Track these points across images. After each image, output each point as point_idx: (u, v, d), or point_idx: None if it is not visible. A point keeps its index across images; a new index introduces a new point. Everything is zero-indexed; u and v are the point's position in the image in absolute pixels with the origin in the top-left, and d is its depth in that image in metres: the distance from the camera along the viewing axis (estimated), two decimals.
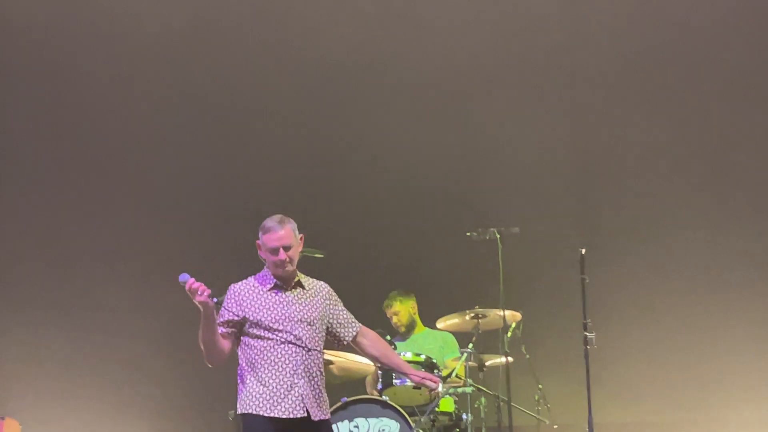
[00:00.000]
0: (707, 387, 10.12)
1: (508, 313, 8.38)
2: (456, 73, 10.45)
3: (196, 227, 10.41)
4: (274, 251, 6.17)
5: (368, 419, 7.98)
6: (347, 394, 8.16)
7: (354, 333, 6.45)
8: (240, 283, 6.28)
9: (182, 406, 10.27)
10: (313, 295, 6.30)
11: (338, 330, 6.41)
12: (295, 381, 6.06)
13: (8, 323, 10.23)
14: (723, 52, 10.28)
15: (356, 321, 6.49)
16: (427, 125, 10.50)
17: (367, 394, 8.54)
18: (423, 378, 6.49)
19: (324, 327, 6.31)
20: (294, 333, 6.08)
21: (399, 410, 7.91)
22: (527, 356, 8.73)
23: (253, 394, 6.08)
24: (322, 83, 10.46)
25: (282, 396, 6.04)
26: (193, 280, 5.84)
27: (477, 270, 9.43)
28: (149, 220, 10.42)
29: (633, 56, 10.41)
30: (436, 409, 8.34)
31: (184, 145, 10.51)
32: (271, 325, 6.10)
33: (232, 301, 6.13)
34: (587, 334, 7.98)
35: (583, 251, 8.19)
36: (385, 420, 7.96)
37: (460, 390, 8.41)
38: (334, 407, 7.88)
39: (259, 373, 6.10)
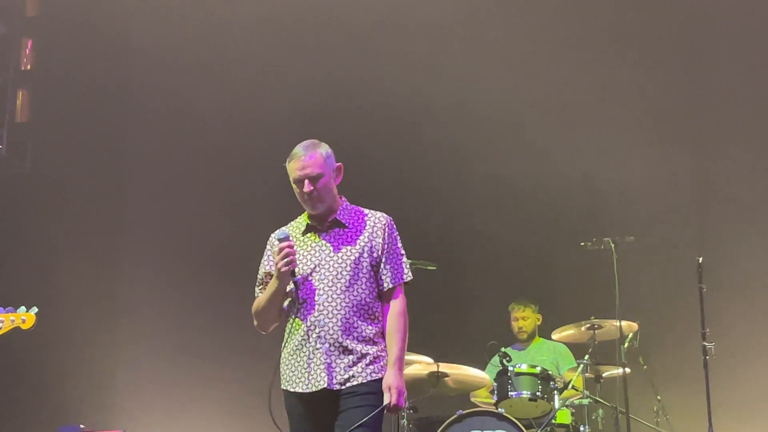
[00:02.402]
0: None
1: (624, 323, 8.29)
2: (575, 86, 10.40)
3: None
4: (298, 182, 5.34)
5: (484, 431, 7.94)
6: (462, 407, 8.12)
7: (386, 287, 5.39)
8: (283, 227, 5.51)
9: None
10: (356, 233, 5.39)
11: (381, 274, 5.40)
12: (318, 346, 5.24)
13: (121, 331, 10.41)
14: None
15: (401, 275, 5.44)
16: (541, 136, 10.44)
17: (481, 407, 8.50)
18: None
19: (371, 269, 5.37)
20: (319, 288, 5.27)
21: (515, 423, 7.85)
22: (645, 367, 8.63)
23: (283, 363, 5.40)
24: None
25: (305, 365, 5.29)
26: (292, 243, 5.30)
27: (592, 280, 9.35)
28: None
29: (747, 65, 10.23)
30: (553, 421, 8.26)
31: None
32: (298, 278, 5.31)
33: (271, 250, 5.41)
34: (706, 344, 7.88)
35: (701, 260, 8.09)
36: None
37: (577, 402, 8.35)
38: (449, 420, 7.87)
39: (288, 337, 5.40)
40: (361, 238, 5.38)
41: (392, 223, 5.51)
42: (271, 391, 5.18)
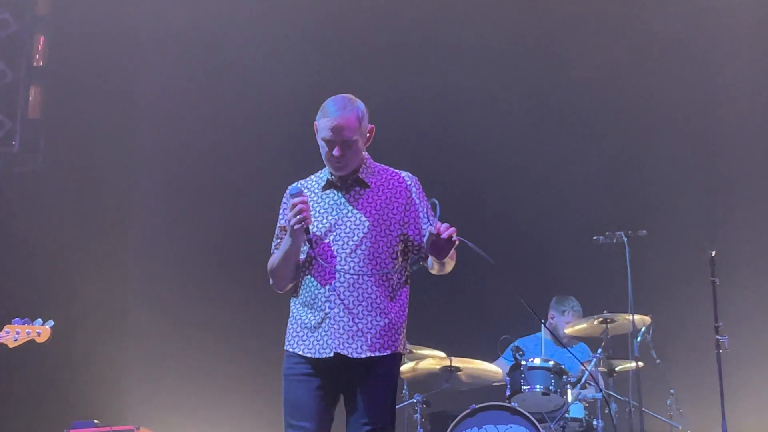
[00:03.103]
0: None
1: (637, 317, 8.28)
2: (586, 79, 10.39)
3: None
4: (329, 144, 5.05)
5: (497, 426, 7.92)
6: (475, 401, 8.12)
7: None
8: (298, 182, 5.28)
9: None
10: (378, 194, 5.10)
11: (417, 230, 5.09)
12: (328, 311, 4.98)
13: (142, 328, 10.43)
14: None
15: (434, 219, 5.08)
16: (551, 129, 10.44)
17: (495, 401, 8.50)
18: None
19: (393, 233, 5.07)
20: (334, 248, 5.01)
21: (528, 417, 7.84)
22: (658, 361, 8.61)
23: (290, 325, 5.17)
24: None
25: (312, 329, 5.04)
26: (306, 198, 5.03)
27: (604, 274, 9.33)
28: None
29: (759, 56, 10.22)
30: (566, 415, 8.27)
31: None
32: (313, 236, 5.04)
33: (287, 204, 5.12)
34: (719, 337, 7.88)
35: (713, 253, 8.08)
36: (515, 427, 7.87)
37: (590, 396, 8.34)
38: (462, 414, 7.87)
39: (298, 299, 5.13)
40: (383, 198, 5.10)
41: (418, 182, 5.23)
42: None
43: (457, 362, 8.41)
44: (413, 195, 5.14)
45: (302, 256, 5.09)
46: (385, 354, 5.03)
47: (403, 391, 8.53)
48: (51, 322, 6.73)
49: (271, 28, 10.49)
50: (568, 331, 8.86)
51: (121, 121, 10.64)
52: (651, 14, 10.48)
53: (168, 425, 9.88)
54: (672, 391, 8.66)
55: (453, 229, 4.92)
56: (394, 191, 5.12)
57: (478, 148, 10.46)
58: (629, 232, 8.45)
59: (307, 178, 5.29)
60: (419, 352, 8.51)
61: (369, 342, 4.98)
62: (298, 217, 4.92)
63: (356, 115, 5.05)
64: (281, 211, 5.23)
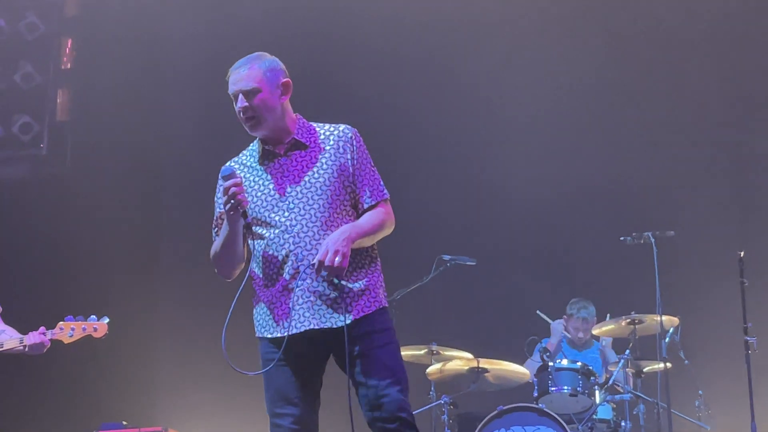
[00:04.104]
0: None
1: (665, 318, 8.24)
2: (615, 82, 10.37)
3: None
4: (235, 98, 4.78)
5: (525, 427, 7.90)
6: (502, 402, 8.11)
7: (366, 206, 4.79)
8: (231, 160, 4.97)
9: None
10: (319, 152, 4.77)
11: (358, 194, 4.80)
12: (299, 283, 4.66)
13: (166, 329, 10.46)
14: None
15: (381, 190, 4.86)
16: (578, 130, 10.41)
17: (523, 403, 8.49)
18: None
19: (345, 191, 4.77)
20: (290, 219, 4.68)
21: (556, 418, 7.82)
22: (686, 362, 8.57)
23: (256, 310, 4.90)
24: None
25: (278, 305, 4.74)
26: (240, 180, 4.67)
27: (632, 275, 9.31)
28: None
29: None
30: (594, 416, 8.24)
31: None
32: (258, 211, 4.73)
33: (222, 187, 4.73)
34: (748, 338, 7.84)
35: (742, 254, 8.04)
36: (542, 428, 7.86)
37: (618, 397, 8.31)
38: (490, 415, 7.86)
39: (258, 281, 4.82)
40: (327, 156, 4.77)
41: (358, 135, 4.90)
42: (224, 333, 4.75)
43: (485, 363, 8.41)
44: (354, 149, 4.82)
45: (256, 238, 4.76)
46: (371, 312, 4.73)
47: (430, 393, 8.53)
48: (106, 318, 6.81)
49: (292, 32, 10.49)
50: (596, 331, 8.85)
51: (149, 123, 10.68)
52: (665, 14, 10.45)
53: (196, 426, 9.91)
54: (700, 392, 8.61)
55: (337, 260, 4.54)
56: (337, 147, 4.80)
57: (504, 148, 10.42)
58: (657, 232, 8.43)
59: (240, 154, 4.98)
60: (446, 353, 8.51)
61: (351, 306, 4.67)
62: (232, 202, 4.59)
63: (258, 65, 4.78)
64: (217, 196, 4.91)
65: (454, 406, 8.52)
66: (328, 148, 4.79)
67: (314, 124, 4.91)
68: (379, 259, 4.89)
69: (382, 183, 4.88)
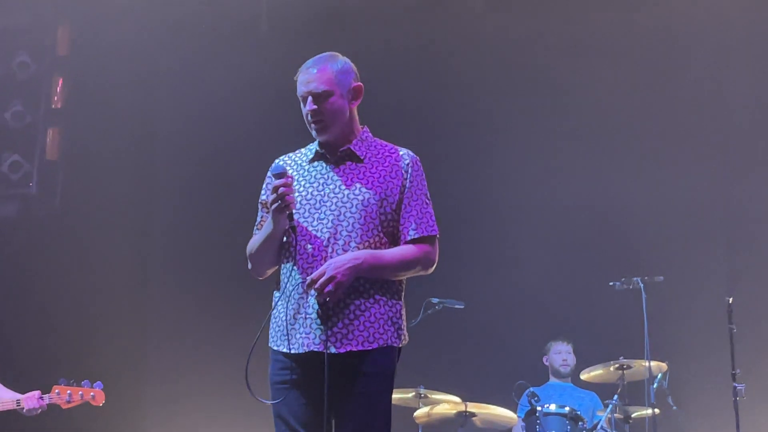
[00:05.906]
0: None
1: (653, 363, 8.25)
2: (610, 116, 10.39)
3: None
4: (303, 100, 4.58)
5: None
6: None
7: (409, 238, 4.54)
8: (284, 156, 4.82)
9: None
10: (371, 170, 4.57)
11: (402, 223, 4.55)
12: (310, 300, 4.44)
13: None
14: None
15: (430, 226, 4.61)
16: (566, 176, 10.42)
17: None
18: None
19: (384, 216, 4.53)
20: (318, 229, 4.48)
21: None
22: (674, 408, 8.55)
23: (274, 318, 4.62)
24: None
25: (292, 320, 4.48)
26: (291, 180, 4.51)
27: (621, 320, 9.29)
28: None
29: None
30: None
31: None
32: (298, 213, 4.53)
33: (270, 182, 4.61)
34: (736, 385, 7.82)
35: (731, 300, 8.04)
36: None
37: None
38: None
39: (281, 287, 4.58)
40: (377, 176, 4.57)
41: (418, 163, 4.68)
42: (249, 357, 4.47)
43: (472, 407, 8.37)
44: (409, 176, 4.60)
45: (289, 240, 4.57)
46: (372, 348, 4.47)
47: None
48: (100, 384, 6.82)
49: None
50: (584, 377, 8.83)
51: (140, 163, 10.67)
52: (651, 41, 10.48)
53: None
54: None
55: (328, 288, 4.38)
56: (391, 169, 4.59)
57: (492, 196, 10.44)
58: (646, 277, 8.45)
59: (296, 152, 4.81)
60: (434, 396, 8.48)
61: (353, 335, 4.43)
62: (279, 202, 4.42)
63: (330, 67, 4.57)
64: (264, 187, 4.76)
65: None
66: (380, 168, 4.59)
67: (378, 140, 4.75)
68: (403, 294, 4.67)
69: (433, 218, 4.65)
